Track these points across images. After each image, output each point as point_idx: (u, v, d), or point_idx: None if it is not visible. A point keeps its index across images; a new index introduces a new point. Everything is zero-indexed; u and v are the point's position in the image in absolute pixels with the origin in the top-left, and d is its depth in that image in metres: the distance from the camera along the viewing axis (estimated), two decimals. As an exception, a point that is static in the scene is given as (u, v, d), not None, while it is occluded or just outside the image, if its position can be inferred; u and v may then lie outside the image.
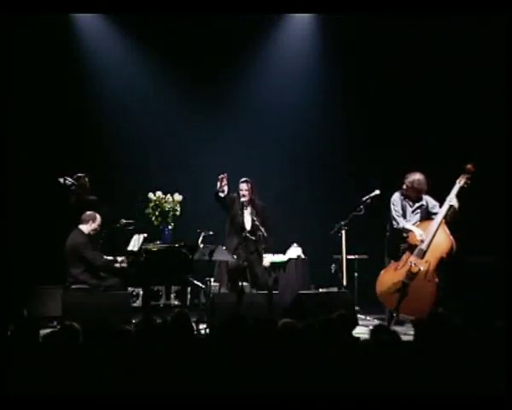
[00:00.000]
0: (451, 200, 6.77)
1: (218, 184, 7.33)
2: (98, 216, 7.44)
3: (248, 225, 7.36)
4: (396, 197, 7.03)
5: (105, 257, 7.38)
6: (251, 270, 7.27)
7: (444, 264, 6.70)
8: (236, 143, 9.20)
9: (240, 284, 7.23)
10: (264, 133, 9.27)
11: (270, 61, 9.36)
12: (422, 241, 6.71)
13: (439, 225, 6.73)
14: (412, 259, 6.70)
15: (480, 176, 7.05)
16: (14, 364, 3.33)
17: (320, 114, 9.26)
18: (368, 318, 7.51)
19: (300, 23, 9.21)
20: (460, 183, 6.80)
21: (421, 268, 6.63)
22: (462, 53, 8.38)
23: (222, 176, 7.32)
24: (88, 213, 7.41)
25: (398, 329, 6.34)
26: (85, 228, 7.36)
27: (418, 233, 6.78)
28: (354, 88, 9.05)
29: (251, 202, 7.35)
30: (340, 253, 7.48)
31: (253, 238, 7.24)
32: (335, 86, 9.12)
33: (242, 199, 7.39)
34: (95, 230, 7.41)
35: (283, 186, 9.20)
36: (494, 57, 8.11)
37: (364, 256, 8.06)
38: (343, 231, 7.36)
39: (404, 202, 7.02)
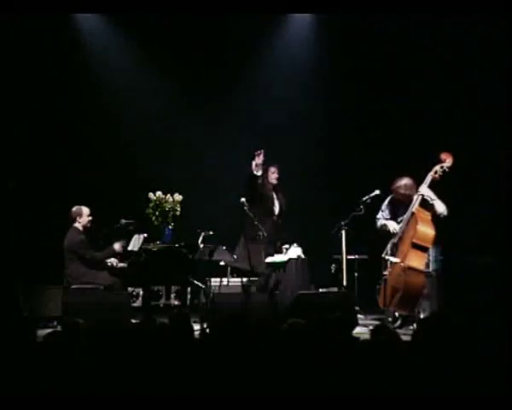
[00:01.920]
0: (421, 189, 6.74)
1: (254, 161, 7.29)
2: (83, 208, 7.44)
3: (277, 210, 7.46)
4: (387, 202, 7.08)
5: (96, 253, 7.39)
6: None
7: (425, 250, 6.60)
8: (237, 143, 9.20)
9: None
10: (264, 133, 9.26)
11: (271, 60, 9.36)
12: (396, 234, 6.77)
13: (411, 215, 6.69)
14: (388, 253, 6.75)
15: (481, 175, 7.07)
16: (13, 364, 3.33)
17: (320, 114, 9.26)
18: (368, 318, 7.52)
19: (301, 23, 9.21)
20: (432, 172, 6.76)
21: (398, 260, 6.62)
22: (462, 53, 8.37)
23: (259, 152, 7.27)
24: (73, 209, 7.43)
25: (398, 329, 6.39)
26: (78, 225, 7.39)
27: (392, 227, 6.84)
28: (354, 87, 9.05)
29: (279, 187, 7.49)
30: (340, 253, 7.48)
31: (280, 222, 7.35)
32: (336, 85, 9.11)
33: (275, 182, 7.48)
34: (87, 222, 7.42)
35: (283, 186, 9.18)
36: (494, 57, 8.11)
37: (364, 256, 8.07)
38: (343, 231, 7.36)
39: (397, 206, 7.03)
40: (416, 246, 6.56)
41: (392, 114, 8.89)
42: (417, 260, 6.56)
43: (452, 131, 8.47)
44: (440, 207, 6.73)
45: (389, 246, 6.81)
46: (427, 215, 6.68)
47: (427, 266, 6.89)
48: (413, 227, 6.62)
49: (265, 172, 7.59)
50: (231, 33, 9.00)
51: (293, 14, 9.10)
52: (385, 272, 6.76)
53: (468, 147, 8.00)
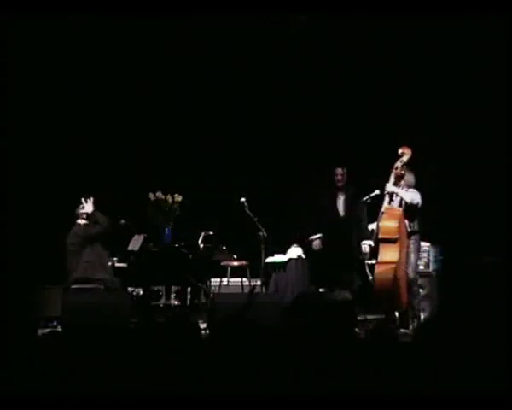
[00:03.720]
0: (387, 188, 6.80)
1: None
2: None
3: (342, 212, 7.41)
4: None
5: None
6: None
7: (394, 242, 6.67)
8: (237, 143, 9.20)
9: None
10: (264, 132, 9.26)
11: (270, 60, 9.33)
12: None
13: (382, 213, 6.77)
14: (367, 257, 6.83)
15: (481, 175, 7.07)
16: (12, 364, 3.33)
17: (320, 114, 9.25)
18: (368, 318, 7.52)
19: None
20: (393, 169, 6.81)
21: (375, 261, 6.73)
22: (462, 53, 8.37)
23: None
24: (80, 206, 7.44)
25: (397, 329, 6.39)
26: (83, 222, 7.39)
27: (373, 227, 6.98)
28: (353, 86, 9.04)
29: (344, 188, 7.42)
30: (341, 253, 7.47)
31: (349, 224, 7.30)
32: (335, 84, 9.10)
33: (339, 184, 7.42)
34: None
35: (283, 186, 9.18)
36: (493, 59, 8.10)
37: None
38: (343, 231, 7.37)
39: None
40: (383, 241, 6.62)
41: (393, 113, 8.87)
42: (389, 253, 6.61)
43: (453, 131, 8.48)
44: (407, 197, 6.71)
45: (368, 249, 6.83)
46: (397, 210, 6.72)
47: (428, 266, 6.91)
48: (382, 223, 6.73)
49: (332, 173, 7.53)
50: (232, 33, 8.97)
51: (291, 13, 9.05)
52: (368, 274, 6.82)
53: (468, 146, 8.00)
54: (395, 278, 6.58)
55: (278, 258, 7.89)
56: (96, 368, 3.30)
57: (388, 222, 6.66)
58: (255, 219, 7.31)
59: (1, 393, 3.15)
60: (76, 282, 7.21)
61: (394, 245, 6.62)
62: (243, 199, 7.44)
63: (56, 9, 7.69)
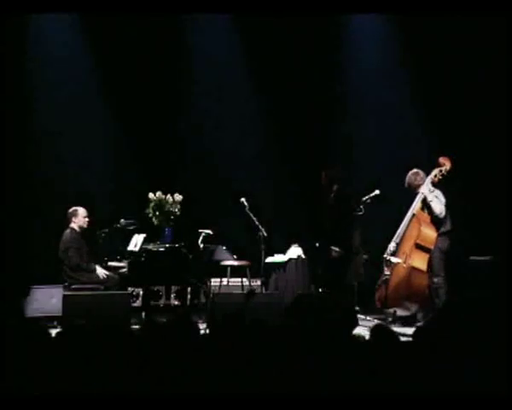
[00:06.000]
0: (423, 190, 6.83)
1: None
2: (79, 209, 7.43)
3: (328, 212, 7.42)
4: None
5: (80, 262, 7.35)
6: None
7: (428, 251, 6.70)
8: (237, 142, 9.18)
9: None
10: (264, 132, 9.25)
11: (269, 59, 9.32)
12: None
13: (412, 217, 6.79)
14: (389, 253, 6.83)
15: (481, 174, 7.06)
16: (14, 364, 3.33)
17: (319, 114, 9.24)
18: (368, 318, 7.52)
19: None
20: (431, 175, 6.86)
21: (399, 261, 6.70)
22: (462, 53, 8.37)
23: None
24: (68, 210, 7.43)
25: (398, 329, 6.39)
26: (74, 225, 7.39)
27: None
28: (354, 86, 9.04)
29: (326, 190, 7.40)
30: (341, 253, 7.47)
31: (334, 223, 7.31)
32: (334, 86, 9.10)
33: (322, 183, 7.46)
34: (83, 223, 7.41)
35: (284, 186, 9.19)
36: (494, 58, 8.10)
37: (365, 256, 8.06)
38: (343, 232, 7.37)
39: None
40: (419, 247, 6.64)
41: (394, 113, 8.87)
42: (420, 261, 6.64)
43: (452, 131, 8.47)
44: (437, 209, 6.80)
45: (391, 246, 6.82)
46: (427, 217, 6.76)
47: (428, 266, 6.91)
48: (415, 228, 6.69)
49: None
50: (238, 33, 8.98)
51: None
52: (386, 273, 6.79)
53: (467, 146, 8.00)
54: (426, 288, 6.68)
55: (278, 258, 7.89)
56: (96, 368, 3.30)
57: (429, 230, 6.71)
58: (255, 219, 7.30)
59: (1, 393, 3.15)
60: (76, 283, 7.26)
61: (427, 255, 6.70)
62: (243, 199, 7.44)
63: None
